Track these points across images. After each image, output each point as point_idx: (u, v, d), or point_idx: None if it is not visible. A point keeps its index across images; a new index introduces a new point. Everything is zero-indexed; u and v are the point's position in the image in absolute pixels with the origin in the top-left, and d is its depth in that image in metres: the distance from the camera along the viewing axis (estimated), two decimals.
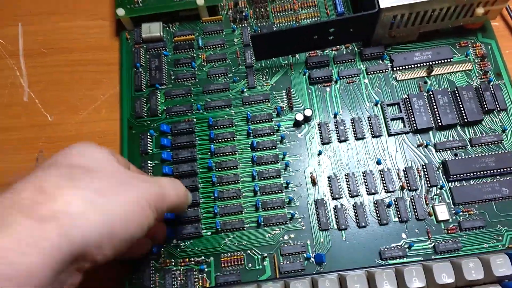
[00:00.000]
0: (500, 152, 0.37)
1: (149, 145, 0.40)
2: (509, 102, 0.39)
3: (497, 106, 0.38)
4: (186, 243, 0.37)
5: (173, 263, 0.36)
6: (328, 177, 0.38)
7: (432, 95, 0.39)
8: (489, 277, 0.31)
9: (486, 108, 0.38)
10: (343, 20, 0.37)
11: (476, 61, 0.40)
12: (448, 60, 0.40)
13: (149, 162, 0.39)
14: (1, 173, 0.41)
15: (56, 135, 0.42)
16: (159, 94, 0.41)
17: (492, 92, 0.38)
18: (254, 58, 0.41)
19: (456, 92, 0.39)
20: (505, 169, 0.36)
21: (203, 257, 0.36)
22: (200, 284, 0.35)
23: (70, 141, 0.41)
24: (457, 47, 0.41)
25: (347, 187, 0.37)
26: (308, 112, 0.39)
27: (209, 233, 0.37)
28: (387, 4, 0.36)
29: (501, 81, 0.39)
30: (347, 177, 0.37)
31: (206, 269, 0.36)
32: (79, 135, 0.42)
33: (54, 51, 0.45)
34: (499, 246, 0.35)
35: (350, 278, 0.31)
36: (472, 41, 0.41)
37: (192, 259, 0.36)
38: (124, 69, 0.43)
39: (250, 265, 0.36)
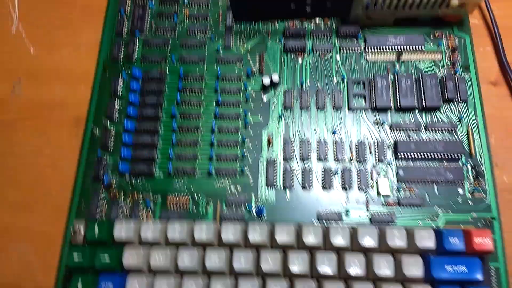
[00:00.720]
0: (451, 139, 0.40)
1: (119, 86, 0.43)
2: (471, 95, 0.41)
3: (458, 96, 0.41)
4: (138, 180, 0.40)
5: (122, 196, 0.39)
6: (283, 139, 0.41)
7: (396, 78, 0.42)
8: (411, 248, 0.34)
9: (446, 97, 0.41)
10: None
11: (447, 52, 0.43)
12: (420, 47, 0.43)
13: (116, 102, 0.43)
14: None
15: (35, 68, 0.46)
16: (137, 42, 0.45)
17: (456, 83, 0.41)
18: (234, 21, 0.45)
19: (421, 77, 0.41)
20: (452, 155, 0.39)
21: (151, 194, 0.40)
22: (144, 218, 0.39)
23: (47, 74, 0.45)
24: (432, 37, 0.44)
25: (300, 151, 0.40)
26: (275, 77, 0.42)
27: (161, 175, 0.40)
28: None
29: (467, 75, 0.42)
30: (301, 142, 0.40)
31: (152, 206, 0.39)
32: (56, 70, 0.45)
33: None
34: (432, 225, 0.37)
35: (279, 226, 0.34)
36: (447, 33, 0.44)
37: (141, 194, 0.40)
38: (109, 14, 0.47)
39: (194, 208, 0.39)
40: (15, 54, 0.46)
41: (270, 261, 0.33)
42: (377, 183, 0.39)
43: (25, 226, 0.40)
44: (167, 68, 0.44)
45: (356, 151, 0.40)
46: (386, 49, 0.43)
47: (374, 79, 0.42)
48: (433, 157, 0.39)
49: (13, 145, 0.43)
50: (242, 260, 0.33)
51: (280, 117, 0.42)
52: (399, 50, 0.43)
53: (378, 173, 0.39)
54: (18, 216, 0.40)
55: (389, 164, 0.39)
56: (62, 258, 0.37)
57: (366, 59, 0.43)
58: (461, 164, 0.39)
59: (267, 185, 0.39)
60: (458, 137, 0.40)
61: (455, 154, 0.39)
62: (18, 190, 0.41)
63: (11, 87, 0.45)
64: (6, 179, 0.41)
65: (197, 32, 0.45)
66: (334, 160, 0.40)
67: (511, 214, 0.38)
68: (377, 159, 0.39)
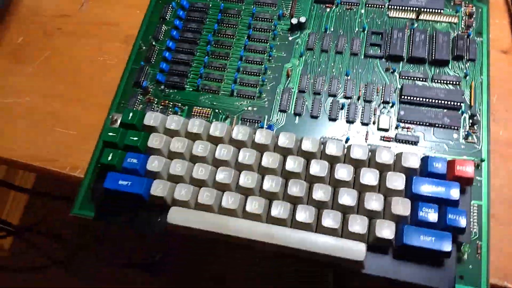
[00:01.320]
0: (453, 88, 0.42)
1: (168, 13, 0.49)
2: (479, 56, 0.44)
3: (467, 55, 0.44)
4: (171, 90, 0.46)
5: (155, 101, 0.45)
6: (301, 74, 0.45)
7: (412, 33, 0.45)
8: (397, 167, 0.37)
9: (456, 54, 0.43)
10: None
11: (463, 18, 0.46)
12: (439, 10, 0.46)
13: (163, 26, 0.49)
14: (50, 4, 0.52)
15: None
16: None
17: (467, 43, 0.44)
18: None
19: (435, 34, 0.44)
20: (453, 103, 0.41)
21: (180, 104, 0.45)
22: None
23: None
24: (452, 3, 0.47)
25: (313, 85, 0.44)
26: (302, 19, 0.46)
27: (191, 89, 0.46)
28: None
29: (479, 38, 0.45)
30: (316, 77, 0.44)
31: (179, 113, 0.44)
32: None
33: None
34: None
35: (283, 134, 0.39)
36: (467, 1, 0.47)
37: (171, 102, 0.45)
38: None
39: (214, 120, 0.44)
40: None
41: (270, 160, 0.37)
42: (378, 119, 0.42)
43: (73, 115, 0.46)
44: (210, 3, 0.49)
45: (364, 91, 0.43)
46: (408, 8, 0.46)
47: (391, 31, 0.45)
48: (434, 103, 0.42)
49: (72, 50, 0.50)
50: (247, 157, 0.38)
51: (301, 55, 0.46)
52: (419, 10, 0.46)
53: (381, 112, 0.42)
54: (69, 106, 0.47)
55: (392, 105, 0.42)
56: (99, 139, 0.43)
57: (388, 15, 0.47)
58: (460, 113, 0.41)
59: (280, 110, 0.44)
60: (461, 90, 0.43)
61: (455, 102, 0.41)
62: (71, 86, 0.48)
63: (80, 4, 0.52)
64: (63, 76, 0.48)
65: None
66: (344, 97, 0.43)
67: (501, 163, 0.40)
68: (383, 100, 0.43)
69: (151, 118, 0.40)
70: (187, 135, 0.40)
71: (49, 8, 0.52)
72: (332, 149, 0.37)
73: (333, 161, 0.38)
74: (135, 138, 0.40)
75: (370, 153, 0.38)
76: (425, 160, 0.37)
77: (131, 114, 0.41)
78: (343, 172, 0.36)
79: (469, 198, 0.37)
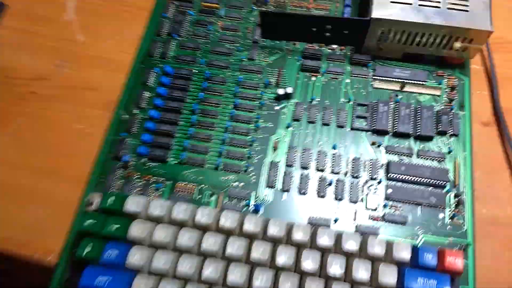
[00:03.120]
0: (439, 167, 0.41)
1: (151, 79, 0.45)
2: (462, 130, 0.42)
3: (451, 130, 0.42)
4: (153, 164, 0.42)
5: (137, 176, 0.41)
6: (288, 147, 0.42)
7: (397, 106, 0.43)
8: (389, 259, 0.35)
9: (439, 129, 0.42)
10: (337, 19, 0.42)
11: (446, 90, 0.44)
12: (422, 82, 0.44)
13: (146, 92, 0.45)
14: (25, 66, 0.47)
15: (80, 52, 0.48)
16: (173, 43, 0.47)
17: (450, 118, 0.42)
18: (261, 36, 0.47)
19: (419, 108, 0.43)
20: (438, 182, 0.40)
21: (163, 179, 0.41)
22: (153, 198, 0.40)
23: (90, 60, 0.48)
24: (434, 74, 0.45)
25: (301, 158, 0.42)
26: (289, 89, 0.44)
27: (174, 162, 0.42)
28: (378, 16, 0.41)
29: (461, 112, 0.43)
30: (303, 151, 0.42)
31: (162, 188, 0.41)
32: (98, 58, 0.48)
33: None
34: (412, 243, 0.38)
35: (272, 222, 0.35)
36: (449, 73, 0.45)
37: (154, 178, 0.41)
38: (154, 16, 0.49)
39: (199, 197, 0.40)
40: (65, 38, 0.49)
41: (260, 251, 0.34)
42: (366, 197, 0.40)
43: (46, 190, 0.41)
44: (195, 69, 0.46)
45: (352, 166, 0.41)
46: (392, 79, 0.45)
47: (377, 104, 0.43)
48: (420, 181, 0.40)
49: (47, 116, 0.45)
50: (236, 247, 0.35)
51: (288, 126, 0.43)
52: (403, 82, 0.44)
53: (368, 189, 0.40)
54: (41, 180, 0.42)
55: (379, 182, 0.40)
56: (74, 223, 0.39)
57: (373, 86, 0.45)
58: (445, 192, 0.40)
59: (267, 185, 0.41)
60: (446, 167, 0.41)
61: (441, 181, 0.40)
62: (44, 157, 0.43)
63: (57, 65, 0.47)
64: (35, 146, 0.43)
65: (227, 42, 0.47)
66: (331, 172, 0.41)
67: (486, 243, 0.39)
68: (370, 177, 0.41)
69: (133, 203, 0.36)
70: (172, 221, 0.36)
71: (23, 69, 0.47)
72: (324, 240, 0.35)
73: (324, 250, 0.35)
74: (116, 226, 0.36)
75: (361, 242, 0.35)
76: (415, 251, 0.35)
77: (112, 199, 0.37)
78: (336, 268, 0.34)
79: (457, 285, 0.35)
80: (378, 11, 0.41)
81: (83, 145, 0.43)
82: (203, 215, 0.36)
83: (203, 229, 0.36)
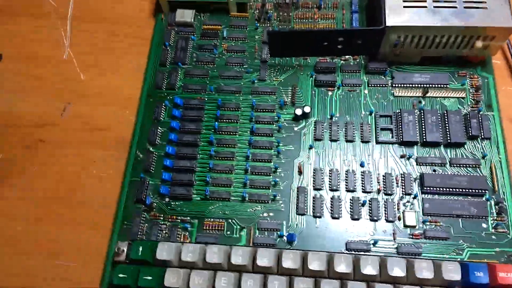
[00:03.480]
0: (475, 174, 0.39)
1: (162, 113, 0.44)
2: (494, 133, 0.41)
3: (482, 134, 0.40)
4: (177, 202, 0.40)
5: (162, 218, 0.39)
6: (314, 169, 0.40)
7: (422, 113, 0.41)
8: (438, 280, 0.33)
9: (471, 134, 0.40)
10: (350, 31, 0.40)
11: (470, 91, 0.43)
12: (445, 85, 0.43)
13: (159, 128, 0.43)
14: (29, 113, 0.45)
15: (84, 91, 0.46)
16: (179, 72, 0.45)
17: (480, 120, 0.41)
18: (269, 54, 0.45)
19: (446, 114, 0.41)
20: (476, 191, 0.38)
21: (189, 218, 0.39)
22: (181, 240, 0.38)
23: (95, 98, 0.46)
24: (456, 75, 0.43)
25: (329, 181, 0.40)
26: (307, 109, 0.42)
27: (198, 198, 0.40)
28: (393, 23, 0.39)
29: (490, 113, 0.41)
30: (330, 172, 0.40)
31: (189, 228, 0.39)
32: (103, 95, 0.46)
33: (97, 19, 0.50)
34: (458, 259, 0.36)
35: (312, 255, 0.34)
36: (471, 73, 0.43)
37: (179, 217, 0.39)
38: (154, 45, 0.47)
39: (228, 232, 0.39)
40: (66, 78, 0.47)
41: None
42: (403, 215, 0.38)
43: (71, 242, 0.40)
44: (206, 97, 0.44)
45: (383, 183, 0.39)
46: (412, 85, 0.43)
47: (401, 114, 0.41)
48: (457, 191, 0.38)
49: (59, 163, 0.43)
50: (276, 286, 0.33)
51: (310, 147, 0.41)
52: (425, 87, 0.42)
53: (404, 205, 0.38)
54: (64, 232, 0.40)
55: (415, 197, 0.39)
56: (105, 276, 0.37)
57: (393, 94, 0.43)
58: (485, 199, 0.38)
59: (297, 213, 0.39)
60: (482, 173, 0.39)
61: (479, 189, 0.38)
62: (63, 207, 0.41)
63: (62, 109, 0.45)
64: (51, 197, 0.42)
65: (235, 65, 0.45)
66: (362, 191, 0.39)
67: None
68: (404, 192, 0.39)
69: (163, 250, 0.35)
70: (206, 265, 0.35)
71: (28, 116, 0.45)
72: (368, 270, 0.33)
73: (369, 279, 0.34)
74: (150, 278, 0.34)
75: (407, 265, 0.34)
76: (464, 268, 0.33)
77: (140, 249, 0.35)
78: None
79: None
80: (392, 18, 0.39)
81: (101, 190, 0.41)
82: (238, 256, 0.34)
83: (239, 270, 0.35)
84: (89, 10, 0.51)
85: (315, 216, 0.39)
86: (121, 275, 0.34)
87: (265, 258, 0.34)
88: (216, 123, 0.42)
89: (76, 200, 0.41)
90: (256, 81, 0.45)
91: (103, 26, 0.50)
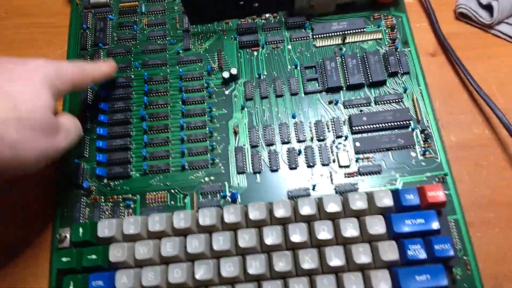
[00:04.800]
0: (398, 108, 0.41)
1: (89, 96, 0.43)
2: (412, 66, 0.43)
3: (401, 69, 0.42)
4: (116, 182, 0.40)
5: (102, 200, 0.39)
6: (248, 128, 0.41)
7: (343, 59, 0.43)
8: (373, 210, 0.35)
9: (390, 71, 0.42)
10: None
11: (386, 31, 0.44)
12: (361, 30, 0.44)
13: (87, 112, 0.42)
14: None
15: None
16: (102, 53, 0.45)
17: (397, 57, 0.42)
18: (189, 23, 0.45)
19: (365, 56, 0.42)
20: (402, 123, 0.40)
21: (130, 195, 0.39)
22: (126, 216, 0.38)
23: None
24: (371, 19, 0.45)
25: (264, 137, 0.41)
26: (233, 71, 0.42)
27: (137, 175, 0.40)
28: None
29: (407, 49, 0.43)
30: (265, 128, 0.41)
31: (132, 205, 0.39)
32: None
33: (13, 15, 0.49)
34: (393, 189, 0.38)
35: (251, 206, 0.35)
36: (385, 14, 0.45)
37: (120, 196, 0.39)
38: (72, 31, 0.46)
39: (172, 202, 0.39)
40: None
41: (246, 238, 0.34)
42: (337, 156, 0.39)
43: (16, 236, 0.39)
44: (132, 74, 0.44)
45: (315, 130, 0.41)
46: (332, 34, 0.44)
47: (323, 63, 0.43)
48: (384, 126, 0.40)
49: None
50: (221, 242, 0.34)
51: (243, 107, 0.42)
52: (343, 34, 0.44)
53: (337, 148, 0.40)
54: (2, 228, 0.39)
55: (346, 138, 0.40)
56: (52, 263, 0.37)
57: (315, 45, 0.44)
58: (410, 130, 0.40)
59: (238, 172, 0.40)
60: (405, 106, 0.41)
61: (404, 121, 0.40)
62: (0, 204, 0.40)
63: None
64: None
65: (157, 38, 0.45)
66: (297, 141, 0.40)
67: (461, 168, 0.39)
68: (335, 135, 0.40)
69: (105, 227, 0.35)
70: (150, 235, 0.35)
71: None
72: (306, 210, 0.34)
73: (309, 219, 0.35)
74: (94, 257, 0.34)
75: (342, 201, 0.35)
76: (396, 194, 0.35)
77: (81, 230, 0.35)
78: (325, 233, 0.33)
79: (445, 218, 0.36)
80: None
81: (36, 180, 0.40)
82: (180, 220, 0.35)
83: (184, 233, 0.35)
84: (5, 5, 0.49)
85: (255, 172, 0.39)
86: (64, 259, 0.34)
87: (207, 217, 0.35)
88: (145, 97, 0.42)
89: (10, 197, 0.40)
90: (181, 51, 0.45)
91: (20, 19, 0.48)
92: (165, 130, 0.41)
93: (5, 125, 0.28)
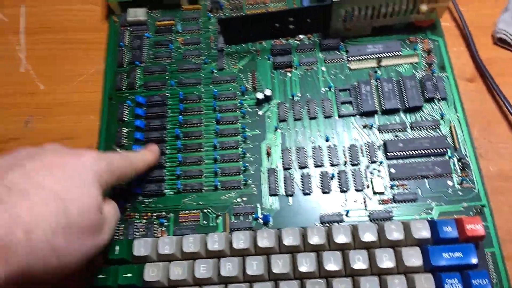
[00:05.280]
0: (435, 135, 0.40)
1: (125, 113, 0.44)
2: (449, 92, 0.42)
3: (438, 95, 0.42)
4: (150, 199, 0.40)
5: (137, 216, 0.40)
6: (281, 150, 0.41)
7: (379, 83, 0.42)
8: (409, 240, 0.34)
9: (427, 96, 0.41)
10: (298, 10, 0.41)
11: (423, 55, 0.44)
12: (397, 53, 0.44)
13: (123, 128, 0.43)
14: None
15: (45, 102, 0.46)
16: (138, 71, 0.46)
17: (434, 82, 0.42)
18: (224, 42, 0.45)
19: (401, 80, 0.42)
20: (438, 150, 0.39)
21: (164, 213, 0.40)
22: (159, 235, 0.39)
23: (57, 108, 0.46)
24: (407, 42, 0.44)
25: (297, 159, 0.41)
26: (267, 92, 0.43)
27: (171, 193, 0.41)
28: None
29: (444, 74, 0.43)
30: (298, 150, 0.41)
31: (166, 223, 0.39)
32: (65, 104, 0.46)
33: (51, 30, 0.50)
34: (428, 218, 0.38)
35: (286, 231, 0.35)
36: (422, 37, 0.45)
37: (154, 214, 0.40)
38: (110, 48, 0.47)
39: (205, 222, 0.39)
40: (25, 91, 0.47)
41: (280, 265, 0.34)
42: (371, 182, 0.39)
43: None
44: (167, 93, 0.44)
45: (349, 155, 0.40)
46: (367, 57, 0.44)
47: (358, 86, 0.42)
48: (421, 153, 0.39)
49: None
50: (255, 267, 0.34)
51: (276, 129, 0.42)
52: (379, 57, 0.44)
53: (371, 173, 0.40)
54: None
55: (381, 164, 0.40)
56: (87, 280, 0.37)
57: (350, 67, 0.44)
58: (447, 158, 0.39)
59: (270, 194, 0.40)
60: (441, 133, 0.40)
61: (441, 149, 0.39)
62: None
63: (24, 123, 0.45)
64: None
65: (192, 57, 0.46)
66: (330, 165, 0.40)
67: (499, 200, 0.38)
68: (370, 160, 0.40)
69: (140, 246, 0.35)
70: (184, 256, 0.35)
71: None
72: (341, 239, 0.34)
73: (343, 248, 0.35)
74: (129, 275, 0.34)
75: (377, 230, 0.35)
76: (433, 225, 0.34)
77: (117, 248, 0.35)
78: (360, 263, 0.33)
79: (482, 251, 0.35)
80: None
81: None
82: (214, 242, 0.35)
83: (217, 256, 0.35)
84: (41, 21, 0.50)
85: (287, 195, 0.40)
86: (100, 277, 0.34)
87: (241, 241, 0.35)
88: (180, 116, 0.43)
89: None
90: (215, 70, 0.45)
91: (57, 35, 0.49)
92: (199, 149, 0.42)
93: (55, 233, 0.26)
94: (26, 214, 0.25)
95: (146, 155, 0.38)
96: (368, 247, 0.34)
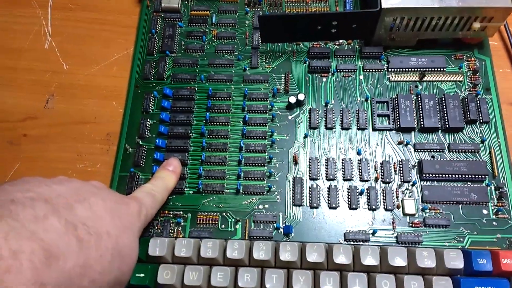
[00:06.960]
0: (474, 160, 0.39)
1: (151, 105, 0.42)
2: (492, 116, 0.40)
3: (480, 118, 0.40)
4: (169, 197, 0.39)
5: None
6: (309, 159, 0.40)
7: (419, 98, 0.41)
8: (441, 269, 0.33)
9: (469, 118, 0.40)
10: (345, 14, 0.39)
11: (468, 74, 0.42)
12: (441, 69, 0.42)
13: (148, 120, 0.42)
14: (10, 107, 0.44)
15: (68, 82, 0.45)
16: (168, 61, 0.44)
17: (478, 104, 0.40)
18: (260, 40, 0.44)
19: (443, 99, 0.40)
20: (476, 176, 0.38)
21: (181, 212, 0.39)
22: (174, 235, 0.38)
23: (80, 90, 0.45)
24: (453, 58, 0.43)
25: (325, 170, 0.39)
26: (301, 96, 0.41)
27: (191, 192, 0.39)
28: (388, 5, 0.38)
29: (488, 96, 0.41)
30: (327, 161, 0.39)
31: (182, 223, 0.38)
32: (88, 86, 0.45)
33: (80, 7, 0.49)
34: (459, 246, 0.36)
35: (310, 247, 0.33)
36: (468, 55, 0.43)
37: (172, 212, 0.39)
38: (140, 33, 0.46)
39: (223, 226, 0.38)
40: (48, 69, 0.46)
41: (301, 281, 0.32)
42: (402, 203, 0.38)
43: None
44: (196, 87, 0.43)
45: (381, 171, 0.39)
46: (409, 70, 0.42)
47: (397, 99, 0.41)
48: (457, 178, 0.38)
49: (45, 159, 0.42)
50: (274, 280, 0.33)
51: (305, 136, 0.41)
52: (422, 71, 0.42)
53: (403, 193, 0.38)
54: None
55: (414, 184, 0.38)
56: None
57: (389, 79, 0.42)
58: (485, 185, 0.38)
59: (294, 204, 0.38)
60: (481, 158, 0.39)
61: (479, 175, 0.38)
62: None
63: (45, 101, 0.44)
64: None
65: (225, 52, 0.44)
66: (360, 180, 0.39)
67: None
68: (402, 179, 0.38)
69: (156, 246, 0.34)
70: (201, 260, 0.34)
71: (10, 112, 0.44)
72: (369, 261, 0.33)
73: (369, 270, 0.33)
74: (142, 275, 0.33)
75: (408, 254, 0.33)
76: (467, 256, 0.33)
77: None
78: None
79: None
80: (387, 0, 0.38)
81: None
82: (233, 250, 0.34)
83: (236, 264, 0.34)
84: None
85: (312, 207, 0.38)
86: None
87: (261, 251, 0.33)
88: (208, 113, 0.41)
89: None
90: (247, 68, 0.44)
91: (86, 14, 0.48)
92: (224, 150, 0.40)
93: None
94: (95, 263, 0.26)
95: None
96: (396, 272, 0.33)
